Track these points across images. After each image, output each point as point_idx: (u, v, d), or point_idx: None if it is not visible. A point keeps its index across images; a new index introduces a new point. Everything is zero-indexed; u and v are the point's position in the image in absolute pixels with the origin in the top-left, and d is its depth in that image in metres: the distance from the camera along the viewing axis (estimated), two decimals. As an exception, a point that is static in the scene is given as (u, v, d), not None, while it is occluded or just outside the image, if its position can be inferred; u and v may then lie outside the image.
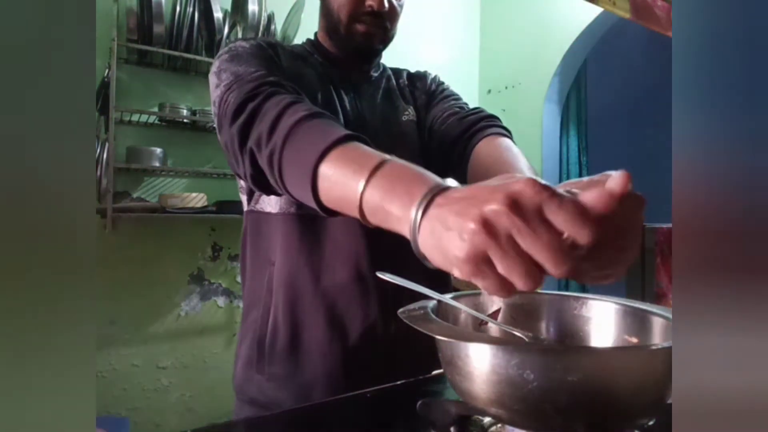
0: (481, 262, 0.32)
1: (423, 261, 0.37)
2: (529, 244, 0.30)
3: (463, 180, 0.50)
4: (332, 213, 0.50)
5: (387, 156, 0.45)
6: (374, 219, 0.43)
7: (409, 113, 0.85)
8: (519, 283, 0.31)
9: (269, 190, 0.60)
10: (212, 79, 0.69)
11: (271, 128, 0.54)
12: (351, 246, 0.71)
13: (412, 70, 0.94)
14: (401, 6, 0.80)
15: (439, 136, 0.81)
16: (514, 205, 0.31)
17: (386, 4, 0.75)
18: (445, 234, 0.33)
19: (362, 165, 0.44)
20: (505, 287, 0.32)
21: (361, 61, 0.83)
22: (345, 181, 0.45)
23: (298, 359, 0.70)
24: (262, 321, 0.72)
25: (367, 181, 0.43)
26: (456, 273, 0.33)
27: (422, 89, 0.90)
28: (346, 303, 0.70)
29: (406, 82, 0.90)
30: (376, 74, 0.87)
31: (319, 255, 0.71)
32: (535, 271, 0.31)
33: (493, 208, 0.31)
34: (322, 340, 0.69)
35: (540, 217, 0.31)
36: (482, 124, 0.76)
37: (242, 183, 0.78)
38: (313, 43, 0.84)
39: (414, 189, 0.39)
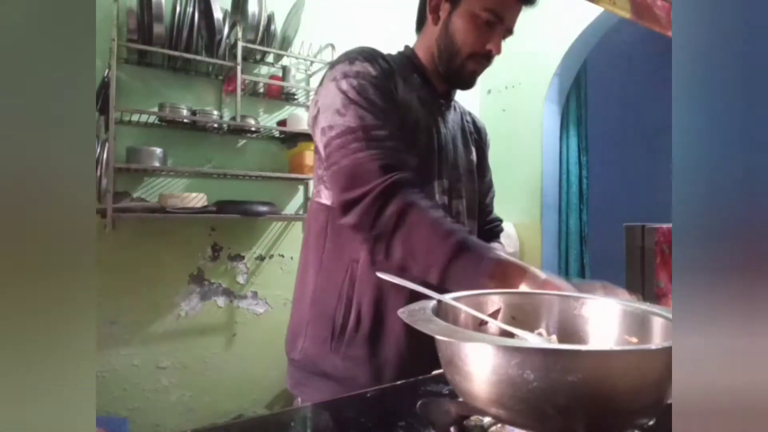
0: None
1: None
2: None
3: None
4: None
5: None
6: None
7: (473, 154, 0.98)
8: None
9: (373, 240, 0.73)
10: (333, 93, 0.77)
11: (395, 226, 0.69)
12: None
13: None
14: None
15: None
16: None
17: (501, 50, 0.86)
18: None
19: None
20: None
21: (454, 90, 0.93)
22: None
23: (377, 345, 0.82)
24: (344, 310, 0.82)
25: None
26: None
27: (479, 142, 1.02)
28: None
29: (472, 128, 1.01)
30: (452, 102, 0.96)
31: None
32: None
33: None
34: (400, 331, 0.81)
35: None
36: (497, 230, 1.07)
37: (323, 176, 0.85)
38: (411, 60, 0.90)
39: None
